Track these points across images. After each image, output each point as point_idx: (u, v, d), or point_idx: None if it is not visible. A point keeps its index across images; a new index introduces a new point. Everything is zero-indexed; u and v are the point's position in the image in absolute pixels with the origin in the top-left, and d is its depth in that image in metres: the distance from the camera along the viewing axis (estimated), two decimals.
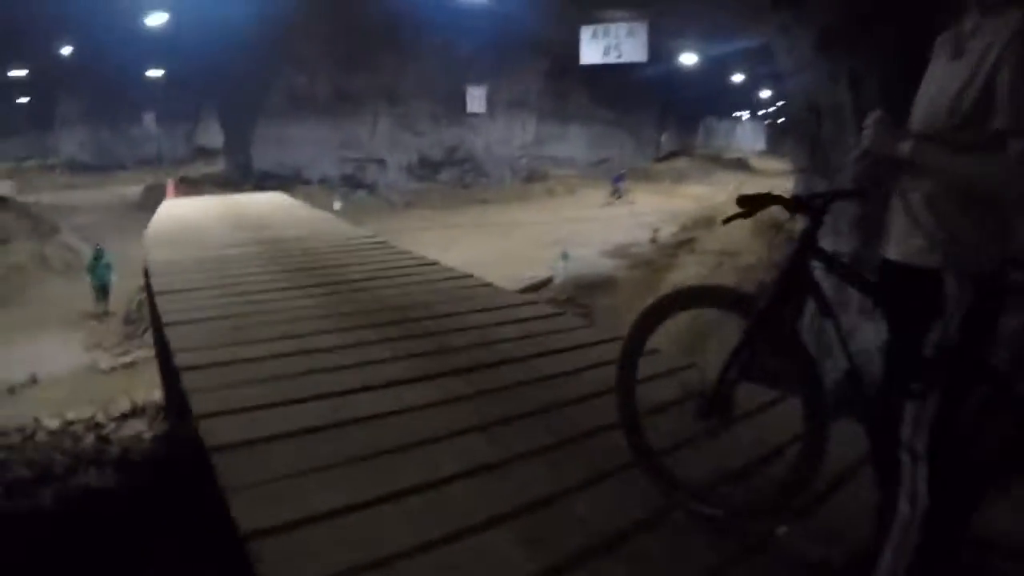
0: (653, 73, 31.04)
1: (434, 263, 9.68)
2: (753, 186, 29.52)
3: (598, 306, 17.46)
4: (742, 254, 22.47)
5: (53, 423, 12.29)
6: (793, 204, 3.00)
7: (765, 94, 51.37)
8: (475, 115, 34.02)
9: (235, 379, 5.02)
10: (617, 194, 36.81)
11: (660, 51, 23.46)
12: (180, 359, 5.55)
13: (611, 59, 18.95)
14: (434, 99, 34.01)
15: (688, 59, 29.63)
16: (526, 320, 6.60)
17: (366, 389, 4.83)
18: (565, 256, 20.30)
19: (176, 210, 15.88)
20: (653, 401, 3.74)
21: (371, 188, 33.53)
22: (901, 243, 2.63)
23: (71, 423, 12.42)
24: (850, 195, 3.66)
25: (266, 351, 5.62)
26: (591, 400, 4.51)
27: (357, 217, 27.08)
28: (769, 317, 3.03)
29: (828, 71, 8.48)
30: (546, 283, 19.67)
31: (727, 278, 19.82)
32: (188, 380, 5.09)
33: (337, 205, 28.01)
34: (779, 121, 76.62)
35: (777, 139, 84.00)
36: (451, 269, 9.21)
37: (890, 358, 2.79)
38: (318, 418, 4.31)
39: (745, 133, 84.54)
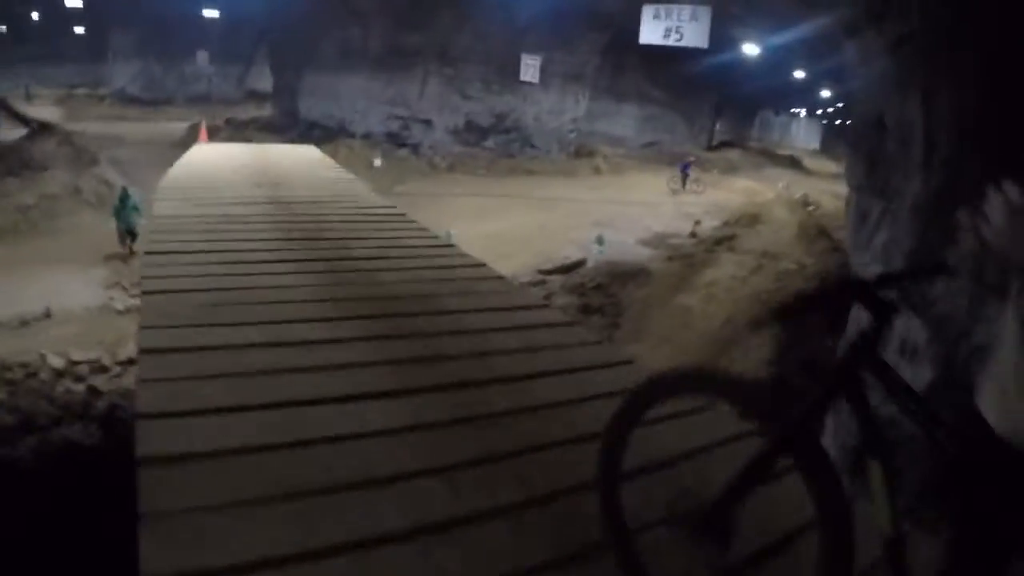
0: (713, 60, 30.25)
1: (448, 246, 9.07)
2: (803, 186, 28.91)
3: (628, 297, 16.82)
4: (782, 258, 21.74)
5: (58, 362, 12.03)
6: (854, 292, 2.34)
7: (825, 93, 50.16)
8: (527, 84, 33.12)
9: (191, 371, 4.44)
10: (684, 182, 35.51)
11: (721, 38, 22.63)
12: (143, 338, 5.03)
13: (671, 41, 18.23)
14: (487, 64, 33.27)
15: (750, 49, 28.66)
16: (534, 328, 5.92)
17: (330, 400, 4.22)
18: (600, 241, 19.62)
19: (201, 157, 15.38)
20: (641, 457, 3.07)
21: (415, 148, 32.85)
22: (1003, 405, 1.79)
23: (76, 363, 12.16)
24: (932, 273, 2.87)
25: (236, 338, 5.03)
26: (584, 444, 3.83)
27: (397, 176, 26.65)
28: (798, 435, 2.33)
29: (899, 82, 7.72)
30: (578, 265, 19.04)
31: (765, 282, 19.13)
32: (143, 366, 4.58)
33: (377, 162, 27.50)
34: (837, 122, 75.80)
35: (832, 139, 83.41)
36: (465, 255, 8.52)
37: (956, 566, 2.00)
38: (265, 434, 3.74)
39: (800, 130, 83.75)
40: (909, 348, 7.80)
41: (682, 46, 18.67)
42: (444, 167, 31.59)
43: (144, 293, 6.07)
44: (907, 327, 7.86)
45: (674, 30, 18.03)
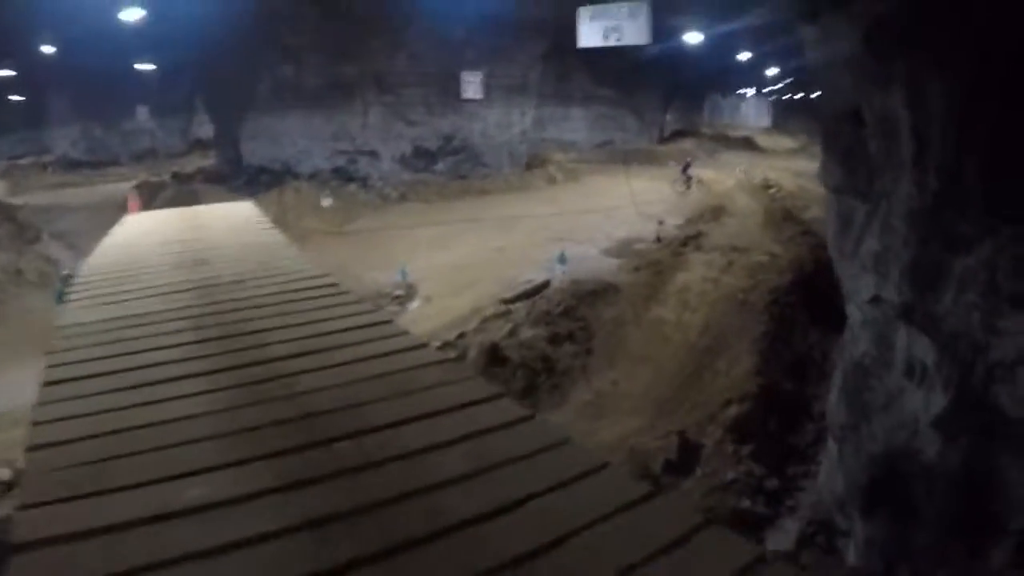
0: (657, 52, 29.62)
1: (386, 323, 7.83)
2: (760, 168, 28.08)
3: (598, 318, 15.74)
4: (752, 251, 20.83)
5: (6, 473, 10.96)
6: None
7: (772, 71, 49.57)
8: (471, 101, 32.15)
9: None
10: (688, 182, 34.55)
11: (664, 29, 21.74)
12: (16, 526, 4.00)
13: (612, 42, 17.20)
14: (427, 86, 32.04)
15: (693, 38, 27.73)
16: (487, 433, 4.82)
17: None
18: (562, 259, 18.38)
19: (123, 239, 14.06)
20: None
21: (364, 181, 31.44)
22: None
23: (23, 472, 11.11)
24: None
25: (117, 514, 3.95)
26: None
27: (347, 213, 25.56)
28: None
29: (877, 73, 6.65)
30: (542, 288, 17.92)
31: (738, 280, 18.17)
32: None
33: (326, 202, 26.28)
34: (785, 98, 76.50)
35: (782, 115, 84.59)
36: (404, 333, 7.34)
37: None
38: None
39: (750, 110, 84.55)
40: (917, 371, 6.83)
41: (623, 45, 17.69)
42: (395, 197, 30.24)
43: (27, 450, 4.97)
44: (911, 346, 6.90)
45: (613, 29, 17.05)
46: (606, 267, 19.95)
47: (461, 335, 14.76)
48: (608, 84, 45.47)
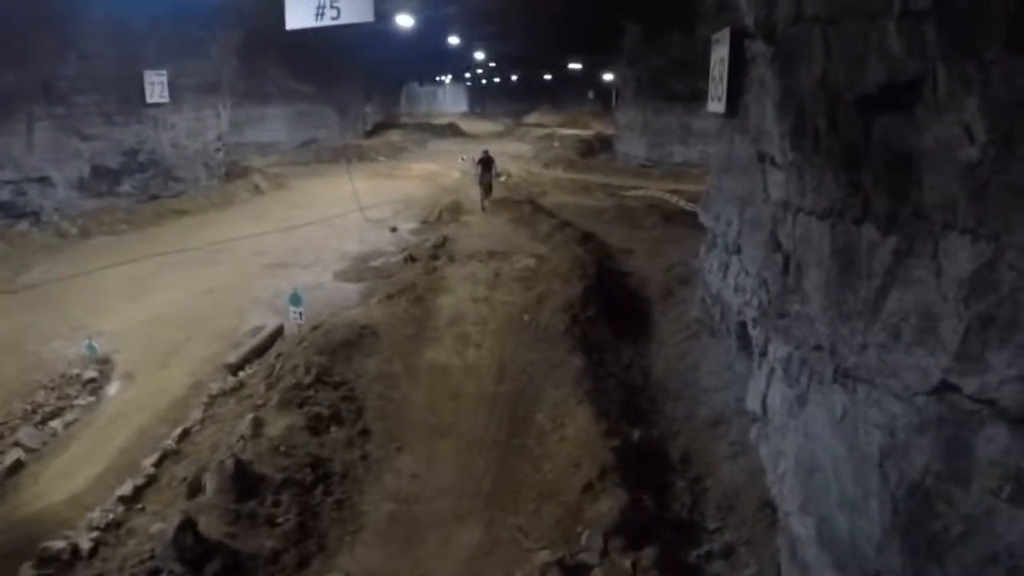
0: (358, 39, 25.89)
1: None
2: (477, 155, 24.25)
3: (361, 378, 11.44)
4: (513, 254, 17.34)
5: None
6: None
7: (479, 56, 46.77)
8: (156, 106, 26.62)
9: None
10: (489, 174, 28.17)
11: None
12: None
13: (327, 21, 13.18)
14: (104, 92, 25.79)
15: (404, 21, 23.90)
16: None
17: None
18: (296, 299, 13.80)
19: None
20: None
21: (36, 216, 24.79)
22: None
23: None
24: None
25: None
26: None
27: (18, 261, 19.74)
28: None
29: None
30: (275, 339, 13.54)
31: (513, 294, 14.61)
32: None
33: None
34: (483, 83, 76.57)
35: (478, 101, 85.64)
36: None
37: None
38: None
39: (447, 97, 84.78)
40: None
41: (340, 24, 13.69)
42: (76, 232, 23.68)
43: None
44: (1009, 454, 3.84)
45: (328, 6, 13.06)
46: (348, 297, 15.81)
47: (185, 434, 10.19)
48: (307, 78, 40.89)
